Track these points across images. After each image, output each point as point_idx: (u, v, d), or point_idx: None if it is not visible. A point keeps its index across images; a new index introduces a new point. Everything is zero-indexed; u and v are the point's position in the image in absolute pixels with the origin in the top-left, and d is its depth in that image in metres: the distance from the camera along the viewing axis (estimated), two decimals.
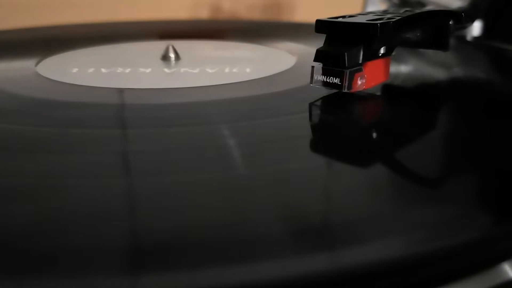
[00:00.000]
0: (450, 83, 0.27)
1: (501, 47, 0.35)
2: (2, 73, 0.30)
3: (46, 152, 0.17)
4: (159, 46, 0.32)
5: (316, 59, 0.21)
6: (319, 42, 0.22)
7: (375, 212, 0.13)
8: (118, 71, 0.28)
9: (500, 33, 0.36)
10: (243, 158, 0.17)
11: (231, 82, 0.25)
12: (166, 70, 0.29)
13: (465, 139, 0.19)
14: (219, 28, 0.50)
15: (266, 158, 0.16)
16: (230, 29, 0.48)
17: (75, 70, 0.29)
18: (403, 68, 0.27)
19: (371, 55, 0.21)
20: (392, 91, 0.24)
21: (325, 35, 0.22)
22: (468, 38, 0.37)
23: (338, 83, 0.21)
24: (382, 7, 0.47)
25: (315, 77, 0.21)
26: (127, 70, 0.28)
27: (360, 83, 0.21)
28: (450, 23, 0.24)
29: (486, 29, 0.37)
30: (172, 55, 0.30)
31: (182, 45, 0.33)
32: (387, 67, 0.23)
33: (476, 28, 0.37)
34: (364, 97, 0.22)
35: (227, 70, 0.28)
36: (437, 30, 0.24)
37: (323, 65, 0.21)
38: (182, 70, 0.29)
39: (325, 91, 0.22)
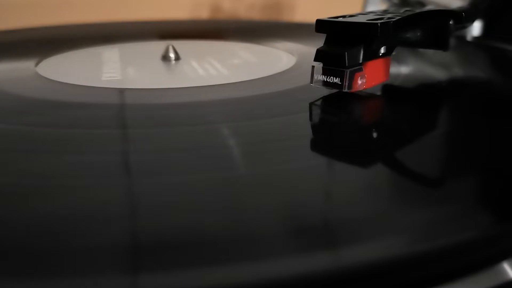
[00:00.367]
0: (450, 83, 0.27)
1: (501, 47, 0.35)
2: (2, 73, 0.30)
3: (46, 152, 0.17)
4: (159, 46, 0.32)
5: (316, 59, 0.21)
6: (319, 42, 0.22)
7: (375, 212, 0.13)
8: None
9: (500, 33, 0.36)
10: (243, 158, 0.17)
11: (231, 82, 0.25)
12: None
13: (465, 139, 0.19)
14: (219, 28, 0.50)
15: (266, 158, 0.16)
16: (230, 29, 0.48)
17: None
18: (403, 68, 0.27)
19: (371, 55, 0.21)
20: (392, 91, 0.24)
21: (325, 35, 0.22)
22: (468, 38, 0.37)
23: (338, 82, 0.21)
24: (382, 7, 0.47)
25: (315, 76, 0.21)
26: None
27: (360, 83, 0.21)
28: (450, 23, 0.24)
29: (486, 29, 0.37)
30: (172, 55, 0.30)
31: (182, 45, 0.33)
32: (387, 67, 0.23)
33: (476, 28, 0.37)
34: (364, 97, 0.22)
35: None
36: (437, 30, 0.24)
37: (323, 65, 0.21)
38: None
39: (325, 91, 0.22)
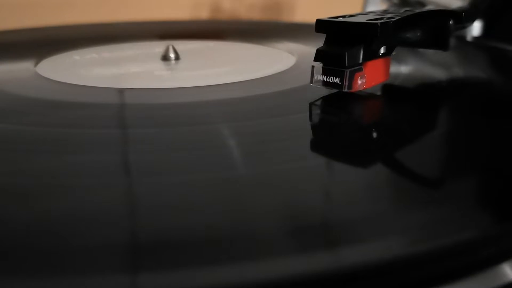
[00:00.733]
0: (450, 83, 0.27)
1: (501, 47, 0.35)
2: (2, 73, 0.30)
3: (46, 152, 0.17)
4: (159, 46, 0.32)
5: (316, 58, 0.21)
6: (319, 42, 0.22)
7: (375, 212, 0.13)
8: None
9: (500, 33, 0.36)
10: (243, 158, 0.17)
11: (231, 82, 0.25)
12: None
13: (465, 139, 0.19)
14: (219, 28, 0.50)
15: (266, 158, 0.16)
16: (230, 29, 0.48)
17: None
18: (403, 68, 0.27)
19: (371, 55, 0.21)
20: (392, 91, 0.24)
21: (325, 35, 0.22)
22: (468, 38, 0.37)
23: (338, 82, 0.21)
24: (382, 7, 0.47)
25: (315, 76, 0.21)
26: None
27: (360, 83, 0.21)
28: (450, 23, 0.24)
29: (486, 29, 0.37)
30: (172, 55, 0.30)
31: (182, 45, 0.33)
32: (387, 67, 0.23)
33: (476, 28, 0.37)
34: (364, 97, 0.22)
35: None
36: (437, 30, 0.24)
37: (323, 65, 0.21)
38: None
39: (325, 91, 0.22)
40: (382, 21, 0.21)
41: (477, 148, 0.18)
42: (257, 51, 0.34)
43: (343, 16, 0.22)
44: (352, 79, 0.21)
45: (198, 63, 0.30)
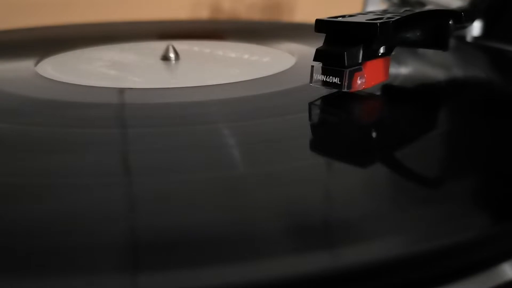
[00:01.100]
0: (450, 83, 0.27)
1: (501, 47, 0.35)
2: (2, 73, 0.30)
3: (46, 152, 0.17)
4: (159, 46, 0.32)
5: (315, 58, 0.21)
6: (319, 42, 0.22)
7: (375, 212, 0.13)
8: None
9: (500, 33, 0.36)
10: (243, 158, 0.17)
11: (231, 82, 0.25)
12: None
13: (465, 139, 0.19)
14: (219, 28, 0.50)
15: (266, 158, 0.16)
16: (230, 29, 0.48)
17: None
18: (403, 68, 0.27)
19: (371, 55, 0.21)
20: (391, 91, 0.24)
21: (325, 34, 0.22)
22: (468, 38, 0.37)
23: (338, 82, 0.21)
24: (382, 6, 0.47)
25: (314, 76, 0.21)
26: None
27: (359, 83, 0.21)
28: (450, 23, 0.24)
29: (486, 29, 0.37)
30: (172, 55, 0.30)
31: (182, 45, 0.33)
32: (387, 67, 0.23)
33: (476, 28, 0.37)
34: (364, 96, 0.22)
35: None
36: (437, 30, 0.24)
37: (322, 65, 0.21)
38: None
39: (324, 91, 0.22)
40: (381, 21, 0.21)
41: (477, 148, 0.18)
42: (256, 51, 0.34)
43: (343, 16, 0.22)
44: (351, 79, 0.21)
45: (198, 63, 0.30)
